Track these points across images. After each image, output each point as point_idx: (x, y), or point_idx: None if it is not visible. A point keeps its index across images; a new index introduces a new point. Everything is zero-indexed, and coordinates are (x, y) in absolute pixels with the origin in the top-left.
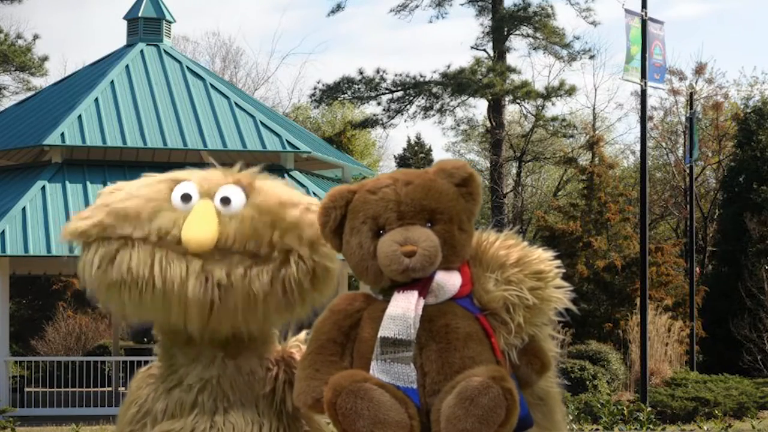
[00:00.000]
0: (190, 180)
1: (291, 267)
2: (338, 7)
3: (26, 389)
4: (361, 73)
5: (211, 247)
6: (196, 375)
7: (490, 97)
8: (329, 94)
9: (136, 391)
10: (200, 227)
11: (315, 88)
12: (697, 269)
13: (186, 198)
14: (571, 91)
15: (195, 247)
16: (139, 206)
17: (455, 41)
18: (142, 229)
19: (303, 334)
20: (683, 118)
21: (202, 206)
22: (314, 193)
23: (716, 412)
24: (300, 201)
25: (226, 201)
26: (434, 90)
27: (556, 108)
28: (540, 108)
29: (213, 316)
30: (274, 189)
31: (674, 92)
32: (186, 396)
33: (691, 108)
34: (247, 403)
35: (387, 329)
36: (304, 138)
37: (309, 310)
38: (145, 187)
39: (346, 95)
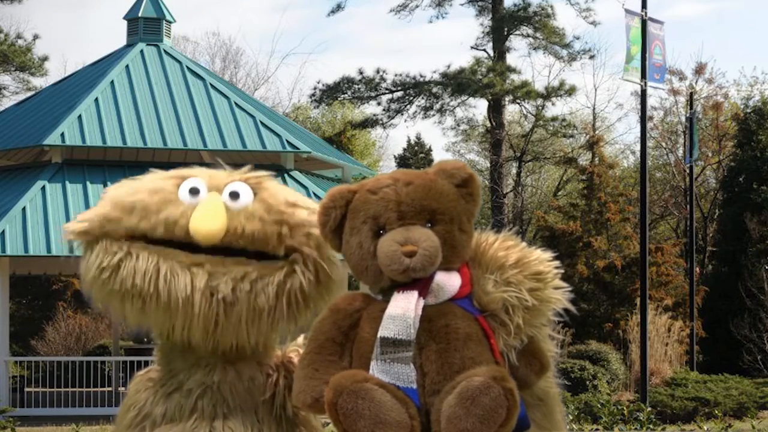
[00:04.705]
0: (197, 176)
1: (296, 278)
2: (338, 7)
3: (26, 389)
4: (361, 73)
5: (220, 238)
6: (196, 380)
7: (490, 97)
8: (329, 94)
9: (134, 394)
10: (209, 219)
11: (315, 88)
12: (697, 269)
13: (194, 191)
14: (571, 91)
15: (203, 238)
16: (145, 198)
17: (455, 41)
18: (149, 220)
19: (301, 338)
20: (683, 118)
21: (210, 199)
22: (314, 194)
23: (716, 412)
24: (306, 203)
25: (234, 195)
26: (434, 90)
27: (556, 108)
28: (540, 108)
29: (217, 330)
30: (282, 189)
31: (674, 92)
32: (185, 401)
33: (691, 108)
34: (247, 409)
35: (387, 329)
36: (304, 138)
37: (311, 317)
38: (152, 182)
39: (346, 95)
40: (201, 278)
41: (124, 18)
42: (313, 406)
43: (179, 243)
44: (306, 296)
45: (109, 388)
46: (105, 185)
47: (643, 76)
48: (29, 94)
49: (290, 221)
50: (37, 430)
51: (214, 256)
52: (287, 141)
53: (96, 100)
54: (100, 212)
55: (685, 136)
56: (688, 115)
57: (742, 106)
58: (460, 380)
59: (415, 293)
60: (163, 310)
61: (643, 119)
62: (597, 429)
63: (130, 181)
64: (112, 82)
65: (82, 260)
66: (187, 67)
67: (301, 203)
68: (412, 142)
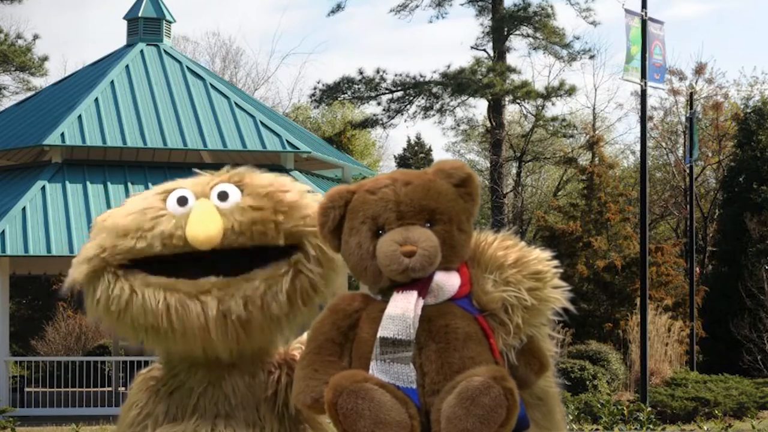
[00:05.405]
0: (182, 186)
1: (303, 278)
2: (338, 7)
3: (26, 389)
4: (361, 73)
5: (219, 240)
6: (197, 378)
7: (490, 97)
8: (329, 94)
9: (136, 393)
10: (204, 223)
11: (315, 88)
12: (697, 269)
13: (182, 201)
14: (571, 91)
15: (203, 244)
16: (137, 218)
17: (455, 41)
18: (145, 239)
19: (305, 335)
20: (683, 118)
21: (201, 204)
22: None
23: (716, 412)
24: (294, 185)
25: (223, 196)
26: (434, 90)
27: (556, 108)
28: (540, 108)
29: (240, 345)
30: (266, 177)
31: (674, 92)
32: (187, 399)
33: (691, 108)
34: (249, 407)
35: (386, 329)
36: (304, 138)
37: (315, 312)
38: (138, 202)
39: (346, 95)
40: (211, 305)
41: (124, 18)
42: (312, 407)
43: (179, 259)
44: (316, 288)
45: (109, 388)
46: (105, 185)
47: (643, 76)
48: (29, 94)
49: (283, 203)
50: (37, 430)
51: (217, 277)
52: (287, 141)
53: (96, 100)
54: (96, 243)
55: (685, 136)
56: (688, 115)
57: (742, 106)
58: (459, 380)
59: (415, 293)
60: (181, 339)
61: (643, 119)
62: (597, 429)
63: (117, 208)
64: (112, 82)
65: (86, 295)
66: (187, 67)
67: (288, 186)
68: (412, 142)
